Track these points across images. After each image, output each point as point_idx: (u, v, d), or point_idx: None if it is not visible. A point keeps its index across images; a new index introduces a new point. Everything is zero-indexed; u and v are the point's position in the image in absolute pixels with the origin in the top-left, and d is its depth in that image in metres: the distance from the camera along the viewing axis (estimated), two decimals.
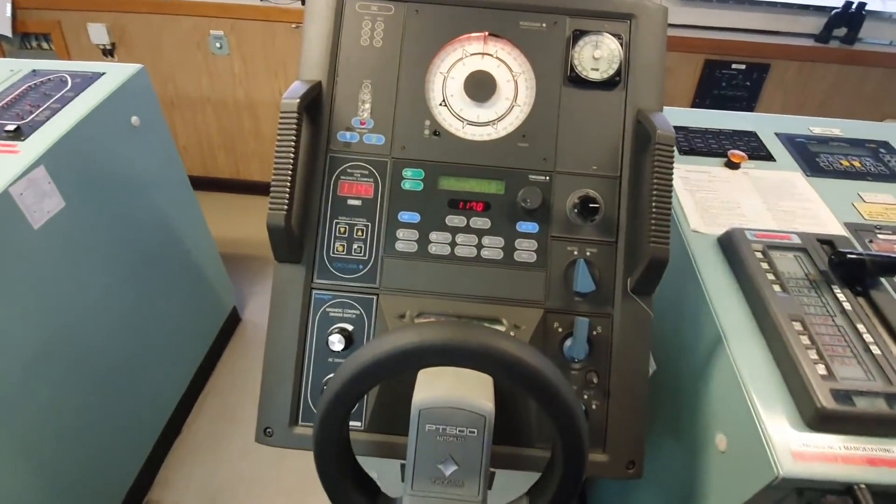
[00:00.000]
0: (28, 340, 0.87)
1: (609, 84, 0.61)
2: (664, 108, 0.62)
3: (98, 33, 1.83)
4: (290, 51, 1.86)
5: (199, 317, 1.46)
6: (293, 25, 1.80)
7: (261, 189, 2.21)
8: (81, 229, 0.97)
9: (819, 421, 0.52)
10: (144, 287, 1.16)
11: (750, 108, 1.81)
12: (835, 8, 1.67)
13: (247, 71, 1.92)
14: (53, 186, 0.89)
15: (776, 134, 0.95)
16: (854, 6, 1.65)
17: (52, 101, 0.98)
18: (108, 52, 1.89)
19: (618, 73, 0.61)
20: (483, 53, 0.63)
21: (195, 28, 1.83)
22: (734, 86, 1.76)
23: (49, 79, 1.04)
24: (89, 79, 1.04)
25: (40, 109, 0.96)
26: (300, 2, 1.76)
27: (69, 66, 1.09)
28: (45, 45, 1.90)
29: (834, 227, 0.75)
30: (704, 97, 1.80)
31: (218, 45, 1.85)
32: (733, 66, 1.73)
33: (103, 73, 1.06)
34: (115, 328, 1.07)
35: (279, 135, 0.55)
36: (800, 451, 0.52)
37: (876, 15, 1.70)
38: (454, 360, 0.44)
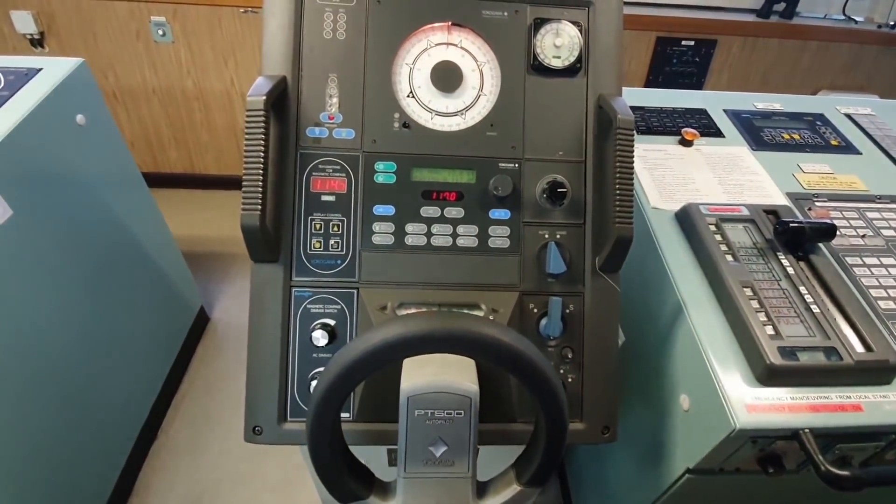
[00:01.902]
0: None
1: (571, 71, 0.63)
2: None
3: (23, 22, 1.69)
4: (238, 36, 1.78)
5: (166, 320, 1.42)
6: (241, 9, 1.72)
7: (218, 183, 2.13)
8: (32, 237, 0.91)
9: (769, 376, 0.58)
10: (104, 293, 1.12)
11: (700, 84, 1.89)
12: None
13: (194, 59, 1.83)
14: None
15: (724, 111, 1.01)
16: None
17: None
18: (38, 43, 1.75)
19: (578, 59, 0.63)
20: (447, 43, 0.63)
21: (132, 14, 1.72)
22: (685, 62, 1.83)
23: None
24: (24, 75, 0.97)
25: None
26: None
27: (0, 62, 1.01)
28: None
29: (778, 198, 0.81)
30: (658, 74, 1.87)
31: (160, 32, 1.75)
32: (683, 42, 1.79)
33: (40, 69, 0.99)
34: (76, 337, 1.03)
35: (247, 134, 0.54)
36: (753, 404, 0.57)
37: None
38: (442, 347, 0.46)
